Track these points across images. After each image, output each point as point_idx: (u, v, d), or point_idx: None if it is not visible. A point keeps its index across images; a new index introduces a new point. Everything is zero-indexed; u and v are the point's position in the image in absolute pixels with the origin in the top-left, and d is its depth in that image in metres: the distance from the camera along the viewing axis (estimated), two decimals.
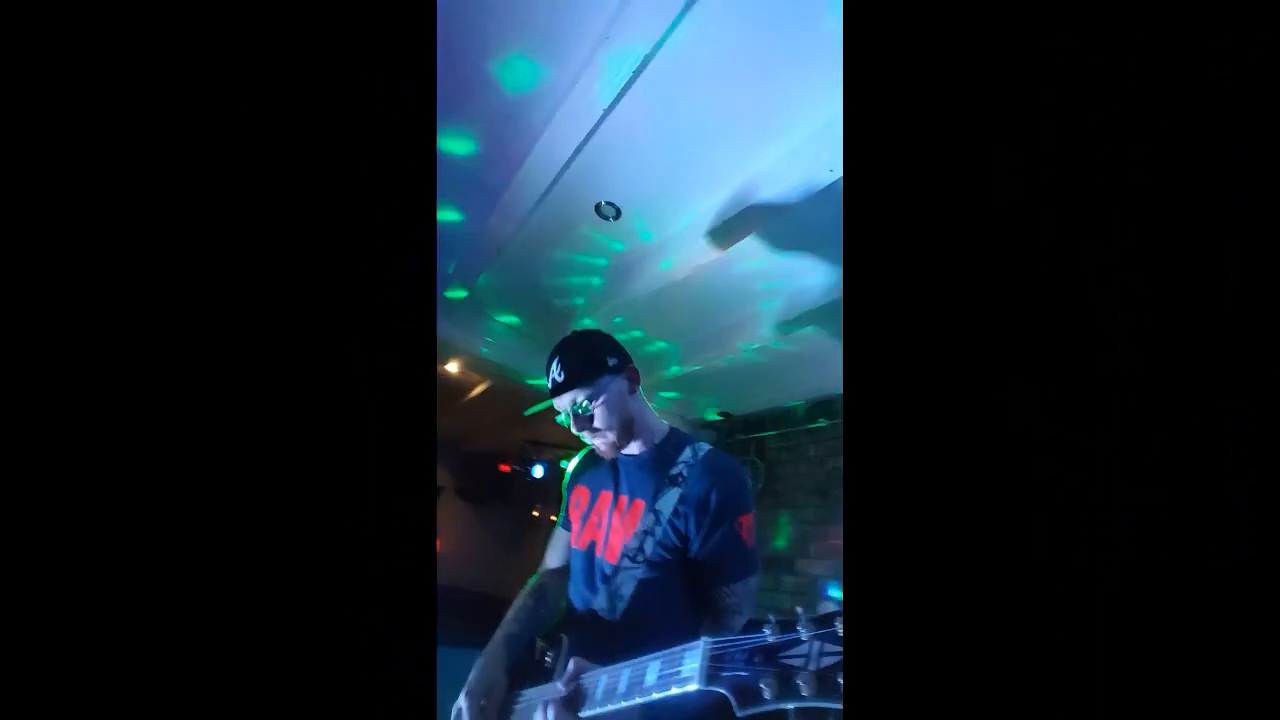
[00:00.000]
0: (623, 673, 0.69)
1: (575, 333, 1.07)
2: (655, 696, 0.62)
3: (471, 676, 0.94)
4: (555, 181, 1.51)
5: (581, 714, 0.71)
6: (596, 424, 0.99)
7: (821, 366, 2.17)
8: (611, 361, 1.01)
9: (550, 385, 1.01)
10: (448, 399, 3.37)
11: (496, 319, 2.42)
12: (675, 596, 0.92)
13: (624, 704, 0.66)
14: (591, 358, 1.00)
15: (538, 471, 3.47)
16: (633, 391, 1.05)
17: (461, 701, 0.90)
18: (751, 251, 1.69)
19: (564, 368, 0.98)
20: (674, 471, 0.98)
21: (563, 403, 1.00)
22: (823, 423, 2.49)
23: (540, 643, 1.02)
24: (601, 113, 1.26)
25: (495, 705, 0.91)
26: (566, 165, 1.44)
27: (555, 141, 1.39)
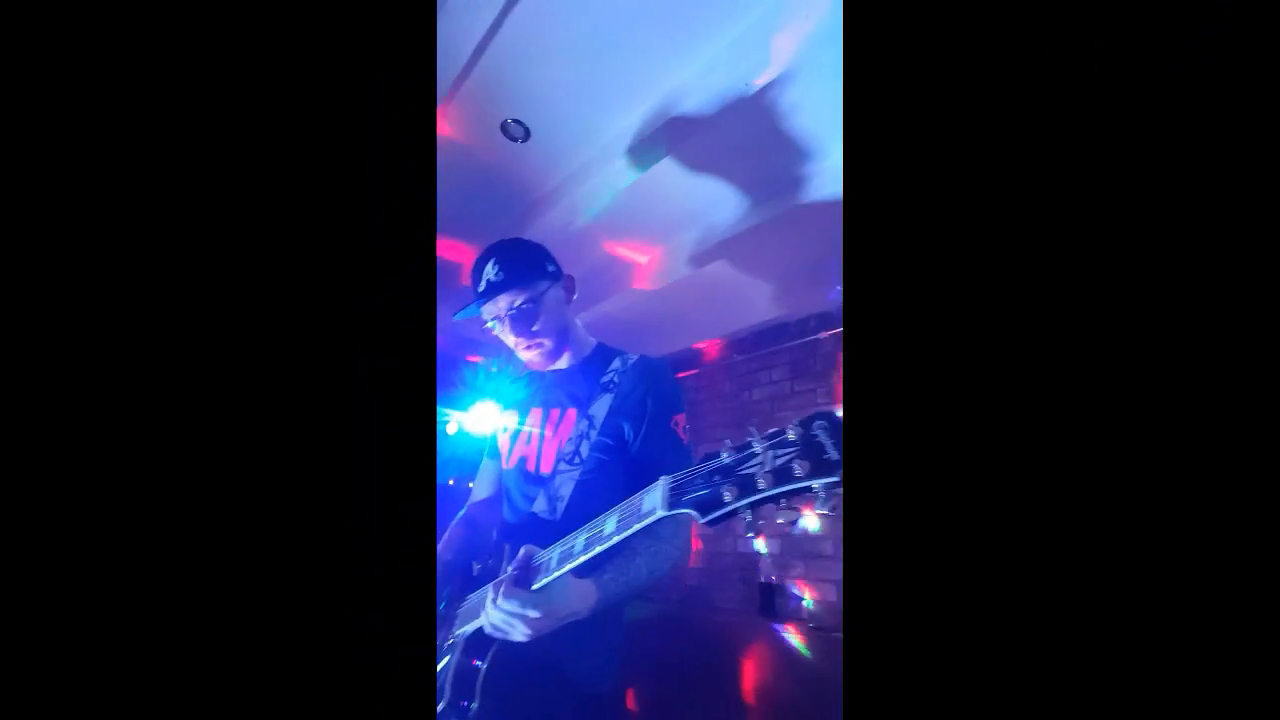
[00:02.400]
0: (577, 537, 0.69)
1: (510, 239, 1.03)
2: (616, 539, 0.62)
3: None
4: (452, 94, 1.39)
5: (535, 586, 0.69)
6: (535, 327, 0.97)
7: (735, 301, 2.27)
8: (550, 268, 1.02)
9: (484, 287, 0.96)
10: None
11: None
12: (614, 493, 0.92)
13: (582, 558, 0.65)
14: (531, 261, 0.98)
15: (449, 429, 3.30)
16: (568, 300, 1.05)
17: None
18: (669, 176, 1.69)
19: (503, 268, 0.96)
20: (605, 379, 0.99)
21: (498, 305, 0.96)
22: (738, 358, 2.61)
23: (475, 564, 0.98)
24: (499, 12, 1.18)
25: None
26: (463, 74, 1.33)
27: (450, 48, 1.28)
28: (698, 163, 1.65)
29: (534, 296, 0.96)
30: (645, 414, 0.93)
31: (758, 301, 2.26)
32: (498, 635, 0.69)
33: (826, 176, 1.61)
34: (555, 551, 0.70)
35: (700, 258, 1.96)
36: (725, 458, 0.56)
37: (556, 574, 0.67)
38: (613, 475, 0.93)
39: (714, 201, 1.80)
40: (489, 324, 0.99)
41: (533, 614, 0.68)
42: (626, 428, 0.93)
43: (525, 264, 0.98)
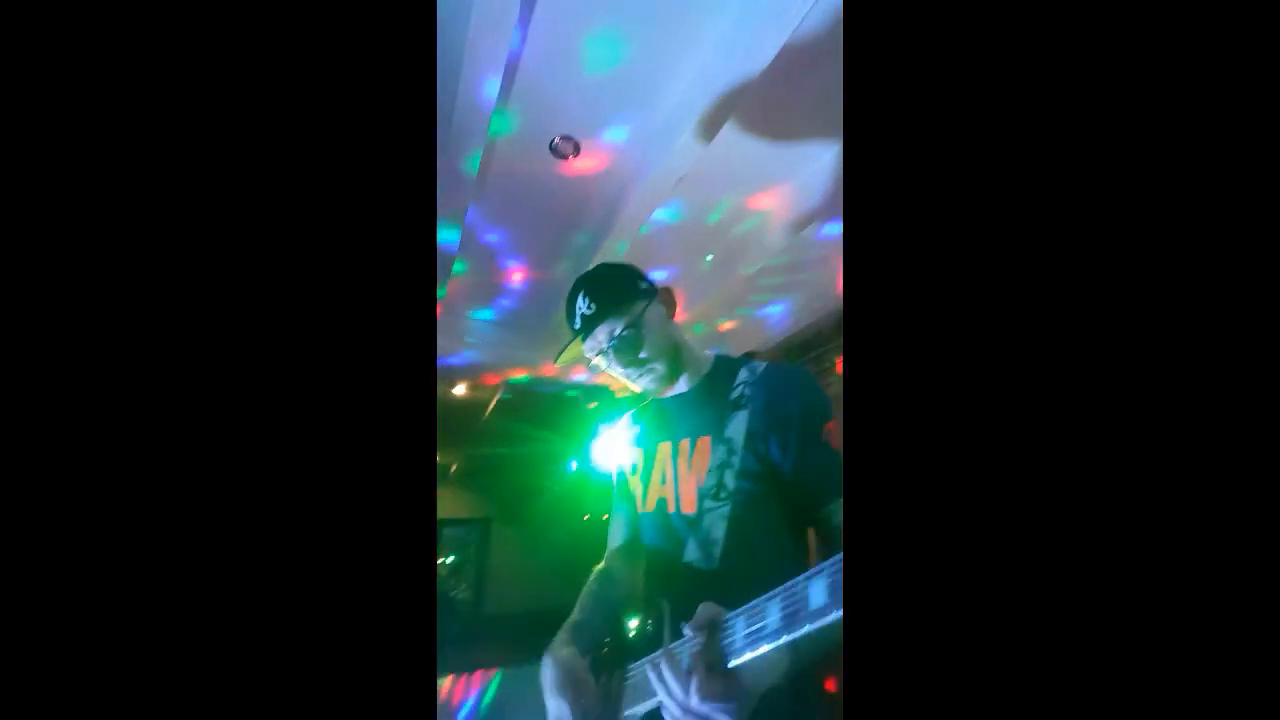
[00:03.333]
0: (768, 604, 0.50)
1: (597, 265, 0.92)
2: (785, 640, 0.43)
3: (547, 676, 0.75)
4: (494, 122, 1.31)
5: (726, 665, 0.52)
6: (642, 354, 0.84)
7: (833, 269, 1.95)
8: (644, 285, 0.88)
9: (578, 323, 0.86)
10: (469, 422, 3.21)
11: (471, 316, 2.23)
12: (775, 527, 0.76)
13: (748, 655, 0.47)
14: (622, 283, 0.87)
15: (572, 465, 3.30)
16: (670, 316, 0.91)
17: (551, 703, 0.72)
18: (739, 140, 1.47)
19: (593, 298, 0.84)
20: (735, 395, 0.83)
21: (598, 338, 0.85)
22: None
23: (627, 621, 0.83)
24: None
25: (588, 698, 0.73)
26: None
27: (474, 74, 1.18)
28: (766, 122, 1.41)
29: (633, 321, 0.83)
30: (792, 427, 0.76)
31: None
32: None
33: None
34: (738, 625, 0.53)
35: (801, 220, 1.70)
36: None
37: (749, 655, 0.49)
38: (767, 506, 0.76)
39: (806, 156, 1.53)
40: (594, 362, 0.88)
41: (733, 702, 0.51)
42: (773, 447, 0.76)
43: (616, 288, 0.85)
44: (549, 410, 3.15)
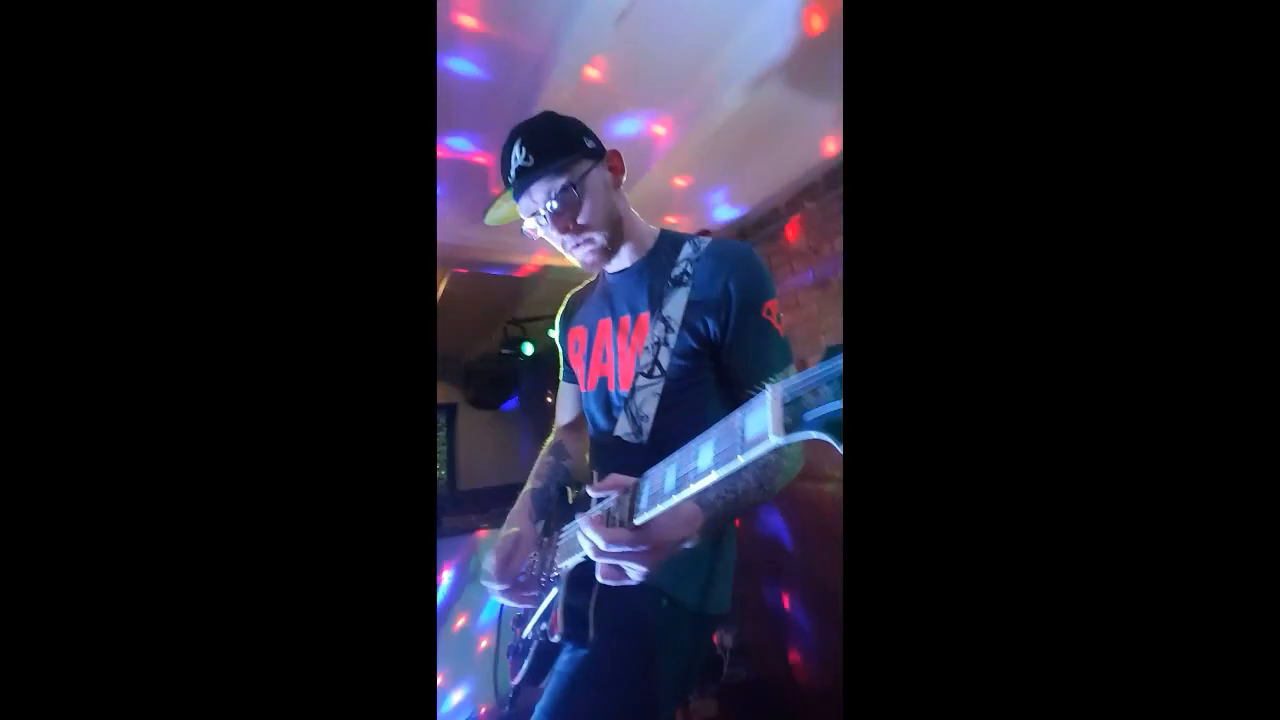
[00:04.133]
0: (666, 469, 0.55)
1: (537, 115, 0.80)
2: (716, 476, 0.47)
3: (500, 533, 0.83)
4: None
5: (637, 521, 0.58)
6: (581, 220, 0.78)
7: (796, 133, 1.86)
8: (590, 143, 0.80)
9: (513, 176, 0.76)
10: None
11: None
12: (705, 404, 0.78)
13: (675, 498, 0.51)
14: (565, 136, 0.78)
15: (528, 349, 3.32)
16: (617, 184, 0.82)
17: (487, 556, 0.80)
18: None
19: (531, 149, 0.75)
20: (676, 272, 0.80)
21: (534, 196, 0.77)
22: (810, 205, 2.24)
23: (571, 490, 0.90)
24: None
25: (523, 553, 0.81)
26: None
27: None
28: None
29: (574, 181, 0.76)
30: (730, 305, 0.75)
31: (819, 129, 1.84)
32: (611, 582, 0.59)
33: None
34: (645, 485, 0.58)
35: (753, 84, 1.57)
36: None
37: (650, 514, 0.55)
38: (702, 384, 0.78)
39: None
40: (527, 224, 0.80)
41: (640, 550, 0.57)
42: (710, 325, 0.76)
43: (559, 141, 0.76)
44: (500, 291, 3.09)
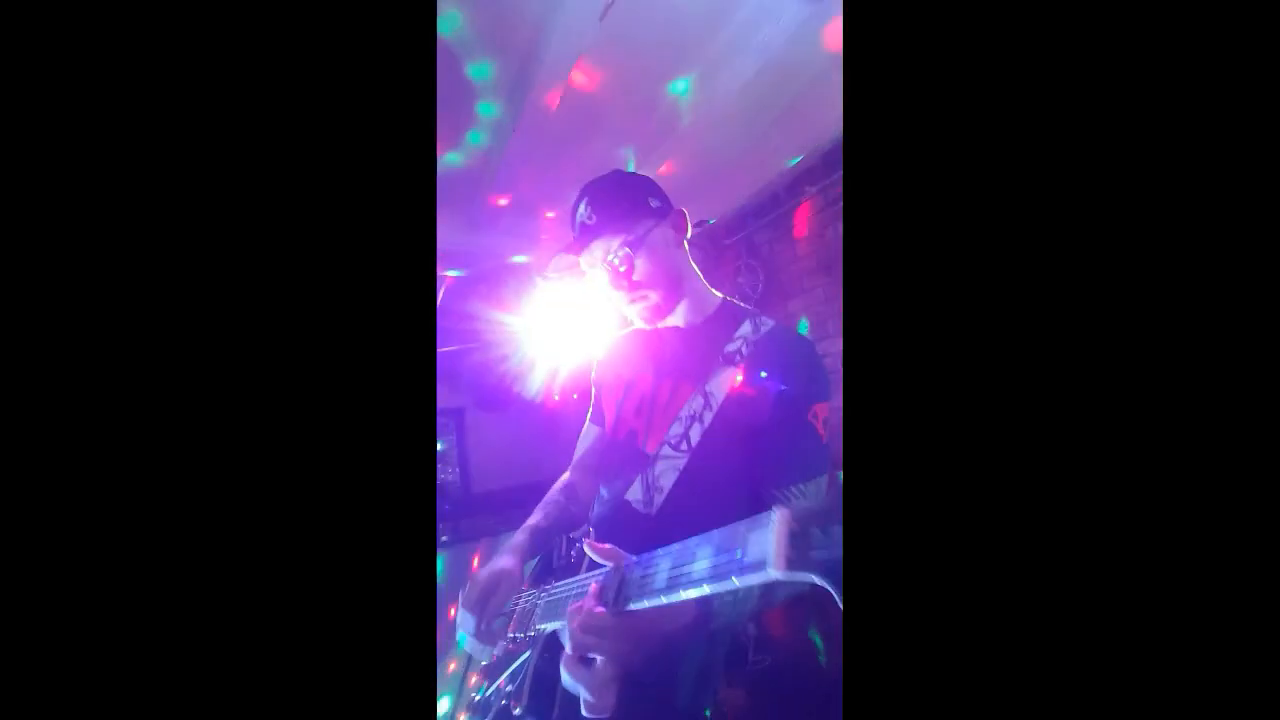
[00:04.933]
0: (661, 561, 0.50)
1: (608, 174, 0.80)
2: (706, 590, 0.42)
3: (490, 563, 0.79)
4: None
5: (628, 607, 0.54)
6: (638, 277, 0.76)
7: (807, 111, 1.75)
8: (654, 203, 0.78)
9: (577, 232, 0.77)
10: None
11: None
12: (725, 493, 0.72)
13: (663, 599, 0.47)
14: (630, 197, 0.78)
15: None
16: (679, 243, 0.80)
17: (468, 586, 0.75)
18: None
19: (595, 208, 0.76)
20: (730, 349, 0.76)
21: (594, 253, 0.76)
22: (810, 190, 2.14)
23: (568, 544, 0.86)
24: None
25: (504, 593, 0.76)
26: None
27: None
28: None
29: (634, 240, 0.74)
30: (778, 401, 0.70)
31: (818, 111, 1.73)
32: (582, 669, 0.55)
33: None
34: (636, 574, 0.53)
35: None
36: None
37: (637, 605, 0.50)
38: (728, 470, 0.72)
39: None
40: (588, 275, 0.80)
41: (619, 645, 0.53)
42: (752, 414, 0.71)
43: (623, 201, 0.76)
44: (500, 289, 3.05)
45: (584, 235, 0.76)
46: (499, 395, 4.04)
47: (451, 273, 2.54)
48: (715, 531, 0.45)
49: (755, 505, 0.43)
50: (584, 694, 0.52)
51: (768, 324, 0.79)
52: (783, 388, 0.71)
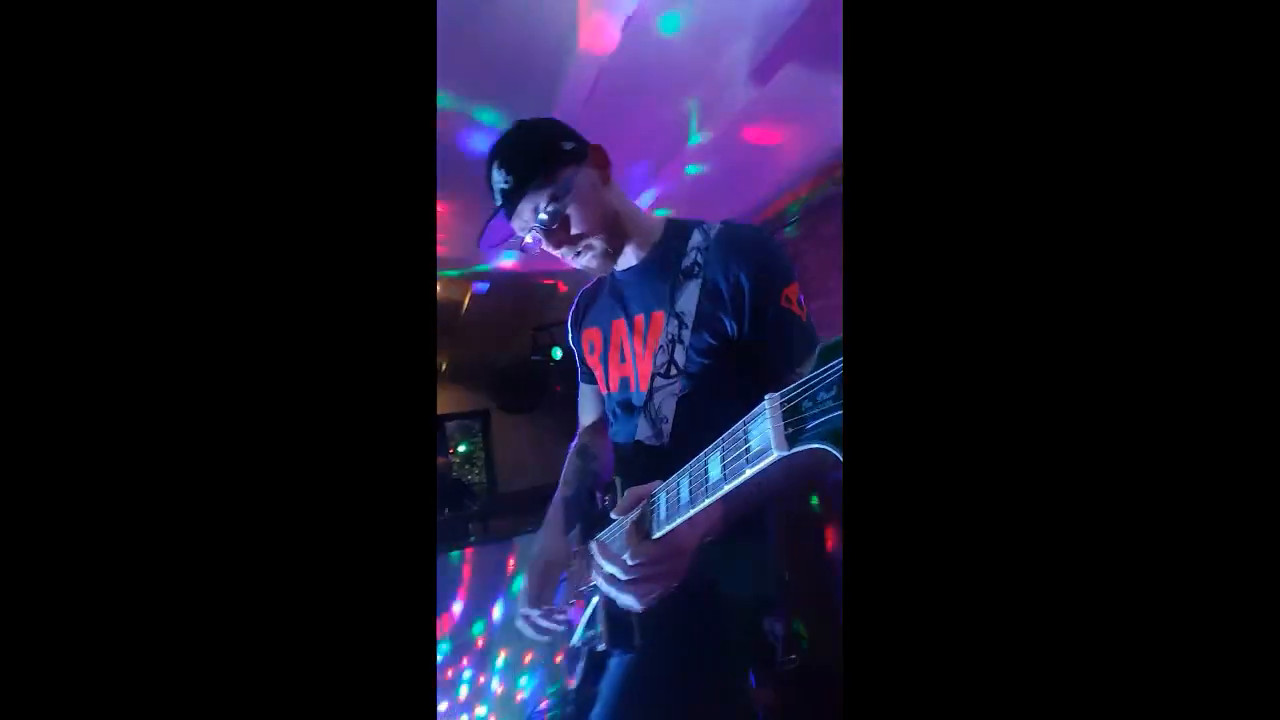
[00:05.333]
0: (679, 481, 0.54)
1: (511, 127, 0.78)
2: (726, 488, 0.46)
3: (532, 550, 0.84)
4: None
5: (654, 536, 0.57)
6: (575, 229, 0.76)
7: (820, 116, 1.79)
8: (568, 144, 0.76)
9: (498, 200, 0.76)
10: (445, 321, 3.22)
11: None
12: (728, 403, 0.75)
13: (692, 512, 0.51)
14: (542, 146, 0.75)
15: (558, 354, 3.35)
16: (606, 180, 0.79)
17: (524, 577, 0.81)
18: None
19: (508, 169, 0.74)
20: (686, 263, 0.77)
21: (524, 216, 0.75)
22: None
23: (601, 495, 0.90)
24: None
25: (555, 572, 0.81)
26: None
27: None
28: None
29: (559, 191, 0.74)
30: (745, 297, 0.72)
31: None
32: (642, 604, 0.59)
33: None
34: (661, 498, 0.57)
35: (763, 68, 1.53)
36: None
37: (669, 527, 0.54)
38: (723, 381, 0.75)
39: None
40: (526, 241, 0.79)
41: (664, 566, 0.57)
42: (726, 319, 0.73)
43: (534, 152, 0.74)
44: (523, 298, 3.14)
45: (507, 200, 0.74)
46: (522, 395, 4.12)
47: (482, 268, 2.63)
48: (720, 438, 0.49)
49: (757, 399, 0.45)
50: (646, 601, 0.58)
51: (714, 227, 0.79)
52: (748, 282, 0.72)
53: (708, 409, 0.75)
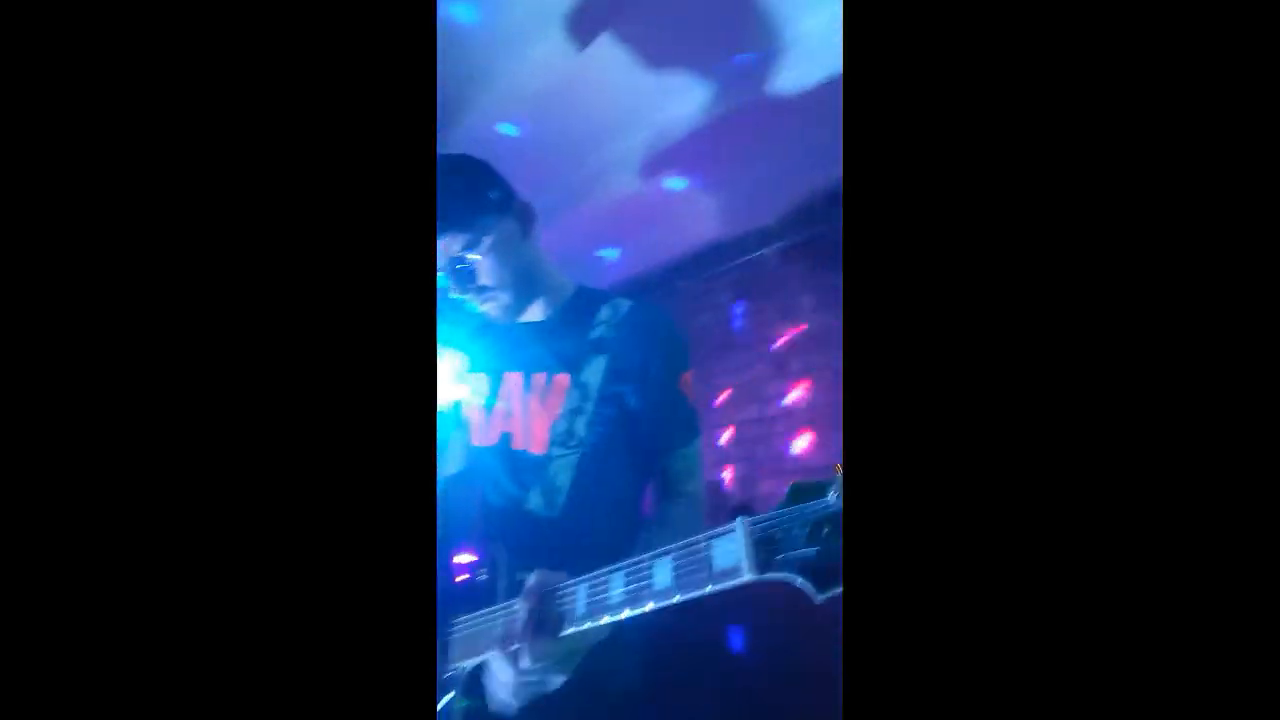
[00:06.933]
0: (610, 579, 0.53)
1: (441, 158, 0.73)
2: (676, 599, 0.47)
3: None
4: None
5: (562, 633, 0.55)
6: (483, 280, 0.73)
7: (684, 217, 2.03)
8: (494, 194, 0.76)
9: None
10: None
11: None
12: (618, 476, 0.78)
13: (627, 613, 0.50)
14: (468, 191, 0.74)
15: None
16: (526, 234, 0.78)
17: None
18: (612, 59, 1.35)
19: None
20: (594, 335, 0.79)
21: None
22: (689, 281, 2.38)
23: (481, 571, 0.81)
24: None
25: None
26: None
27: None
28: (647, 42, 1.32)
29: (472, 240, 0.72)
30: (650, 378, 0.76)
31: (705, 218, 2.04)
32: (515, 703, 0.54)
33: (796, 61, 1.37)
34: (581, 590, 0.55)
35: (652, 165, 1.69)
36: (833, 499, 0.42)
37: (583, 627, 0.52)
38: (615, 456, 0.77)
39: (668, 93, 1.49)
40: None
41: (558, 679, 0.54)
42: (629, 396, 0.76)
43: (460, 196, 0.71)
44: None
45: None
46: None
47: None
48: (671, 547, 0.50)
49: (644, 480, 0.48)
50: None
51: (624, 304, 0.81)
52: (653, 366, 0.76)
53: (601, 484, 0.76)
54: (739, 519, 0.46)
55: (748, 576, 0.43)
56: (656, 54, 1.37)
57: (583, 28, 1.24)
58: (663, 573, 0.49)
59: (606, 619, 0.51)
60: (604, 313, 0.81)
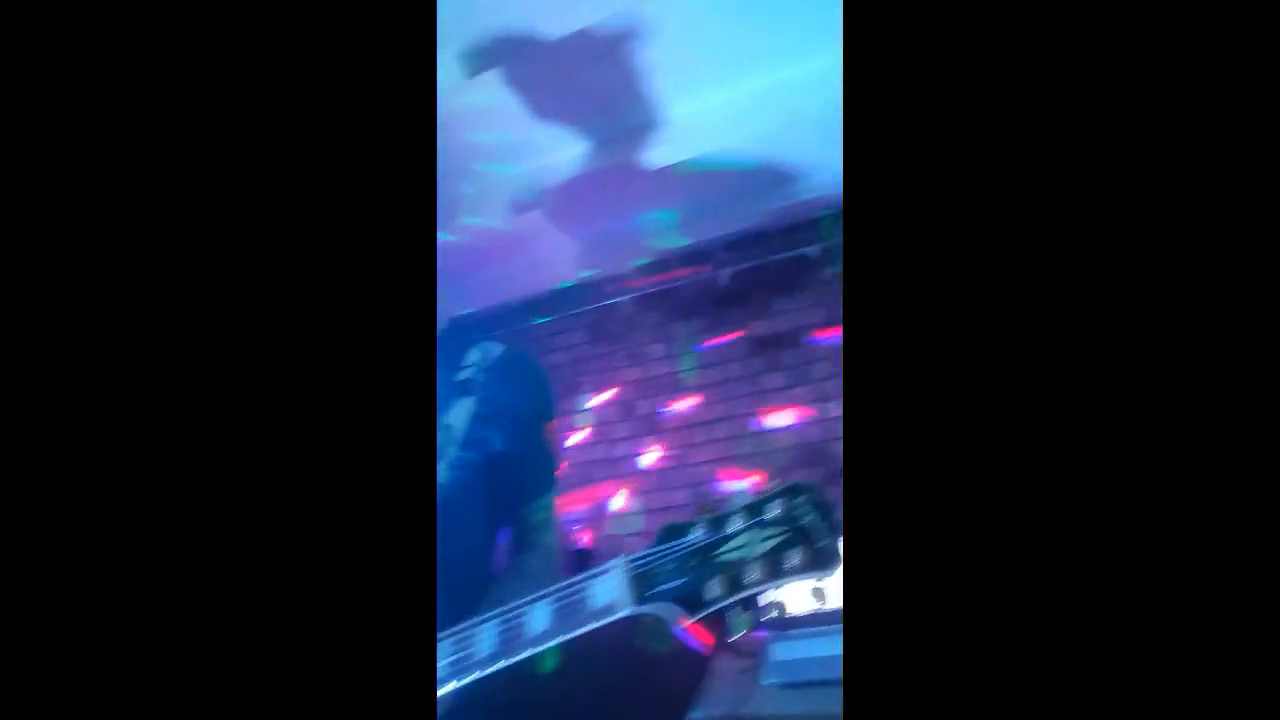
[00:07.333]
0: (479, 630, 0.52)
1: None
2: (560, 639, 0.49)
3: None
4: None
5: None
6: None
7: (544, 258, 2.07)
8: None
9: None
10: None
11: None
12: (477, 521, 0.76)
13: (504, 662, 0.50)
14: None
15: None
16: None
17: None
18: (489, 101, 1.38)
19: None
20: (461, 377, 0.78)
21: None
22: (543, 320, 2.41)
23: None
24: None
25: None
26: None
27: None
28: (533, 89, 1.38)
29: None
30: (516, 424, 0.77)
31: (564, 260, 2.12)
32: None
33: (671, 138, 1.55)
34: (446, 650, 0.52)
35: (520, 204, 1.71)
36: (697, 537, 0.49)
37: (462, 683, 0.50)
38: (472, 498, 0.75)
39: (549, 139, 1.55)
40: None
41: None
42: (495, 440, 0.75)
43: None
44: None
45: None
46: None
47: None
48: (543, 592, 0.51)
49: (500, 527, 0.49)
50: None
51: (495, 350, 0.82)
52: (518, 413, 0.77)
53: (460, 526, 0.73)
54: (621, 559, 0.50)
55: (629, 610, 0.47)
56: (541, 102, 1.43)
57: (477, 61, 1.24)
58: (540, 617, 0.50)
59: (478, 673, 0.50)
60: (474, 355, 0.80)
